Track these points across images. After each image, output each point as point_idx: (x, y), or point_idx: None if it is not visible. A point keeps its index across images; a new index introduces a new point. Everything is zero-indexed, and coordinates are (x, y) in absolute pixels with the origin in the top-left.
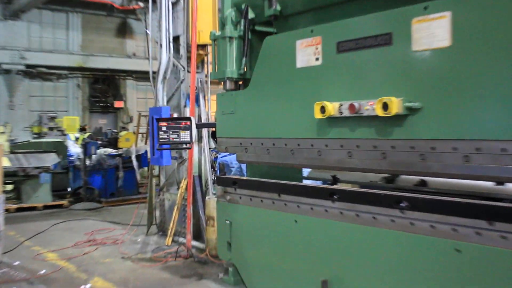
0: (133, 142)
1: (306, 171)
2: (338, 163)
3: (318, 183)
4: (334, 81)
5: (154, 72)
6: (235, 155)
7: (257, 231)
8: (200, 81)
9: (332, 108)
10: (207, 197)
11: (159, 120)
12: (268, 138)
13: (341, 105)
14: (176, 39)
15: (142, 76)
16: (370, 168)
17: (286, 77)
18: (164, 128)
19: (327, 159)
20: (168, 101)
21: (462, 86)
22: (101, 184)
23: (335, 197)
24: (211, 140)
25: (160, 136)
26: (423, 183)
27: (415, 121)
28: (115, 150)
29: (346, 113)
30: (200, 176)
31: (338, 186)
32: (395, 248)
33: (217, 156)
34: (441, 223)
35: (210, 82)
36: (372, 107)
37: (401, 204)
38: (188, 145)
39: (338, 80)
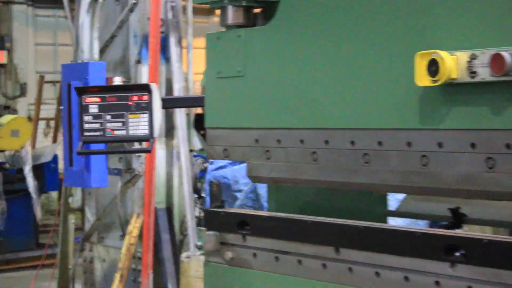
0: (28, 139)
1: (395, 200)
2: (466, 181)
3: (420, 225)
4: (457, 5)
5: None
6: (244, 165)
7: None
8: (172, 7)
9: (453, 64)
10: (183, 255)
11: (84, 91)
12: (315, 129)
13: (473, 57)
14: None
15: None
16: None
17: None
18: (94, 109)
19: (441, 174)
20: (102, 51)
21: None
22: None
23: (458, 255)
24: (195, 134)
25: (86, 126)
26: None
27: None
28: None
29: (485, 74)
30: (170, 211)
31: (464, 232)
32: None
33: (206, 168)
34: None
35: (194, 9)
36: None
37: None
38: (145, 144)
39: (466, 4)
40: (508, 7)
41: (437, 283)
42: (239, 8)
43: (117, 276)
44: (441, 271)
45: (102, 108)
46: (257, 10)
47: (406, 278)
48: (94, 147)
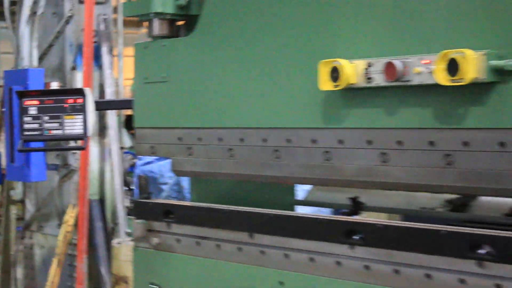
0: None
1: (302, 191)
2: (364, 174)
3: (324, 213)
4: (356, 20)
5: (13, 2)
6: (169, 161)
7: None
8: (104, 19)
9: (352, 71)
10: (115, 241)
11: (24, 95)
12: (232, 128)
13: (369, 65)
14: None
15: None
16: (425, 183)
17: (266, 13)
18: (33, 111)
19: (342, 168)
20: (41, 59)
21: None
22: None
23: (356, 238)
24: (125, 133)
25: (26, 126)
26: None
27: (510, 95)
28: None
29: (379, 80)
30: (102, 202)
31: (362, 218)
32: None
33: (135, 164)
34: None
35: (124, 22)
36: (428, 68)
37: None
38: (80, 142)
39: (363, 19)
40: (398, 21)
41: (338, 263)
42: (164, 21)
43: (55, 261)
44: (341, 253)
45: (41, 110)
46: (180, 23)
47: (311, 259)
48: (34, 145)
